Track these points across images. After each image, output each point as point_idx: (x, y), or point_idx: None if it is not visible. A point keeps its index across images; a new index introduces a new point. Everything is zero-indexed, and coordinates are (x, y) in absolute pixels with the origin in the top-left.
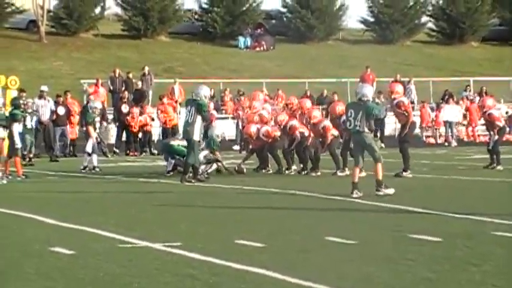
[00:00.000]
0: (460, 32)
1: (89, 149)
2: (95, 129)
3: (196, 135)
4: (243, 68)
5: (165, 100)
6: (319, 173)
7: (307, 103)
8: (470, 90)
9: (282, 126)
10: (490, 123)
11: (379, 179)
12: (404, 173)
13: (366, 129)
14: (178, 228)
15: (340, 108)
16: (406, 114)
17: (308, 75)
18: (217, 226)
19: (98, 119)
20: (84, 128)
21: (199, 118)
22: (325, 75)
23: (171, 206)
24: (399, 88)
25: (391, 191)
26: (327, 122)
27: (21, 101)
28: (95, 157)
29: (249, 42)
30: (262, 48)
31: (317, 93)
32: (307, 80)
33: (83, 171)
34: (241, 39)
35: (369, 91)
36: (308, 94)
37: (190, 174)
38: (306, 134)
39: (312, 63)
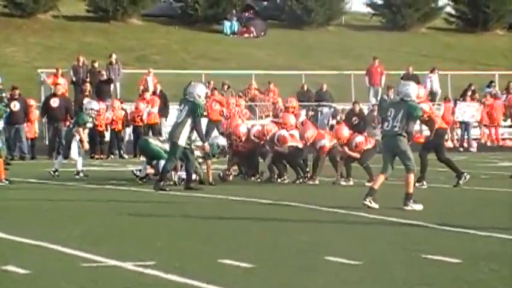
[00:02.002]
0: (484, 17)
1: (74, 154)
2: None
3: (182, 140)
4: (229, 57)
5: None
6: (317, 182)
7: (291, 119)
8: (494, 86)
9: (268, 138)
10: None
11: (409, 191)
12: (417, 184)
13: (403, 133)
14: (153, 244)
15: (346, 132)
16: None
17: (305, 67)
18: (198, 242)
19: (89, 124)
20: (74, 130)
21: (189, 121)
22: (325, 67)
23: (145, 219)
24: (421, 91)
25: (419, 207)
26: (325, 142)
27: (3, 94)
28: (80, 160)
29: (235, 27)
30: (251, 34)
31: (315, 88)
32: (303, 72)
33: (51, 173)
34: (226, 23)
35: (412, 91)
36: (305, 89)
37: (170, 182)
38: (300, 146)
39: (310, 52)
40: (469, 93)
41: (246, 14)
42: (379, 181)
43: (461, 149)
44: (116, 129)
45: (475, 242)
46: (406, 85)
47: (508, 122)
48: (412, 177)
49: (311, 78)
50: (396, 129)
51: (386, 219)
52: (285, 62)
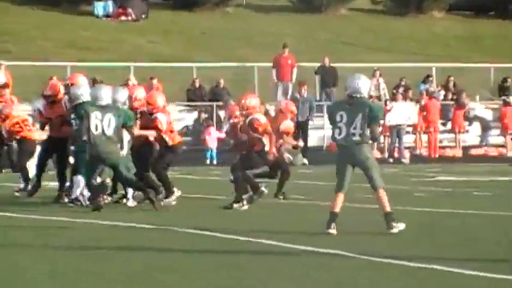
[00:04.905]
0: None
1: None
2: None
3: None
4: (101, 45)
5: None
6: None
7: (159, 99)
8: (432, 81)
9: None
10: None
11: (387, 211)
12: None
13: (368, 140)
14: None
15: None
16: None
17: (197, 58)
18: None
19: None
20: None
21: (125, 132)
22: (221, 58)
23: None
24: (253, 101)
25: (402, 225)
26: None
27: None
28: None
29: (110, 8)
30: (129, 17)
31: (210, 84)
32: (194, 65)
33: None
34: (98, 3)
35: (363, 85)
36: (198, 85)
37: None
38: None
39: (203, 39)
40: (401, 89)
41: None
42: (339, 202)
43: (391, 160)
44: None
45: (409, 276)
46: (356, 78)
47: (448, 126)
48: (383, 193)
49: (204, 71)
50: (356, 137)
51: (338, 253)
52: (171, 52)
